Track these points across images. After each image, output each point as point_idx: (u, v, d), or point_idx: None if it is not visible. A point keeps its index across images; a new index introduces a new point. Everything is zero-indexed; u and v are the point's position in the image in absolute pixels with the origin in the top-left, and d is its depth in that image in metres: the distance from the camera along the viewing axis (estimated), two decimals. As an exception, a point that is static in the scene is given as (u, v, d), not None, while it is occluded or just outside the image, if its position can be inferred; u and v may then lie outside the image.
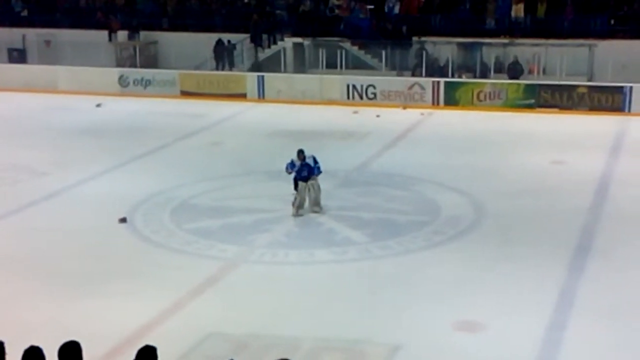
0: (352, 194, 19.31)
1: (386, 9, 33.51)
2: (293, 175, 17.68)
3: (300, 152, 17.64)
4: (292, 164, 17.66)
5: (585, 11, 31.19)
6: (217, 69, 33.30)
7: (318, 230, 16.88)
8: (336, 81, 30.70)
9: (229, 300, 13.60)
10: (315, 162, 17.69)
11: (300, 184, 17.49)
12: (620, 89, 27.73)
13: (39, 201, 18.82)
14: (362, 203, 18.56)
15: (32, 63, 34.75)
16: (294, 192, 17.63)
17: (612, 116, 27.08)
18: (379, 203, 18.53)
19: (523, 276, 14.24)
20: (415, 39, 31.86)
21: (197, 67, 32.98)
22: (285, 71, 32.53)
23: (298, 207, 17.50)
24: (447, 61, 30.95)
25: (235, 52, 33.59)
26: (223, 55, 33.41)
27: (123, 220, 17.26)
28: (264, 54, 33.63)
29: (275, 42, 33.62)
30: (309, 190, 17.53)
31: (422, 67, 30.79)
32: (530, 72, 30.54)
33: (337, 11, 33.67)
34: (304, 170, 17.49)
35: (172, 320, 12.83)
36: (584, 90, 28.18)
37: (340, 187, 19.87)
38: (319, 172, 17.73)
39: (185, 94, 31.73)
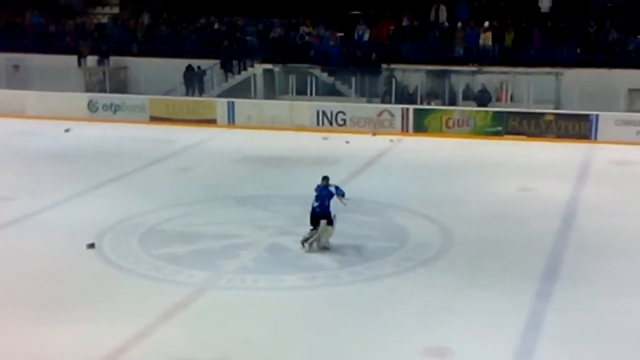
0: (322, 220, 19.31)
1: (356, 36, 33.76)
2: (312, 206, 16.86)
3: (325, 178, 17.13)
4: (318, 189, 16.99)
5: (552, 40, 31.59)
6: (187, 94, 33.32)
7: (287, 255, 16.86)
8: (306, 107, 30.80)
9: (197, 327, 13.51)
10: (337, 188, 17.11)
11: (322, 222, 16.65)
12: (586, 116, 28.08)
13: (5, 226, 18.64)
14: (331, 229, 18.56)
15: (1, 88, 34.49)
16: (311, 227, 16.90)
17: (579, 144, 27.38)
18: (349, 229, 18.44)
19: (491, 302, 14.30)
20: (384, 66, 32.10)
21: (167, 93, 32.98)
22: (255, 97, 32.63)
23: (311, 243, 16.89)
24: (416, 88, 31.22)
25: (205, 78, 33.65)
26: (193, 81, 33.45)
27: (91, 245, 17.14)
28: (234, 79, 33.73)
29: (245, 68, 33.73)
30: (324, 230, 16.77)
31: (391, 94, 31.03)
32: (498, 99, 30.87)
33: (307, 38, 33.84)
34: (327, 199, 16.77)
35: (139, 347, 12.73)
36: (551, 118, 28.49)
37: (309, 213, 19.84)
38: (342, 192, 17.11)
39: (155, 119, 31.68)
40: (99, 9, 39.26)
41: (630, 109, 29.22)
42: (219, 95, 33.05)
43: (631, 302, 14.33)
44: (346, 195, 17.17)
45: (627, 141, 27.16)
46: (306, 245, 16.91)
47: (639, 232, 18.18)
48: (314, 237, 16.86)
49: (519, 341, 12.86)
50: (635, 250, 16.96)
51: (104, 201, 20.77)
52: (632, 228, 18.42)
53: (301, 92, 32.29)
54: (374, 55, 32.36)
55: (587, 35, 31.76)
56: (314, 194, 17.02)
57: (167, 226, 18.75)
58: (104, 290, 15.02)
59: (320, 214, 16.79)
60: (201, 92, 33.51)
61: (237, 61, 33.87)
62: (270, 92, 33.11)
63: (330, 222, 16.79)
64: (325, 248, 16.90)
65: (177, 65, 33.36)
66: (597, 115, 27.98)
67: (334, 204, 16.97)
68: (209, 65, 33.67)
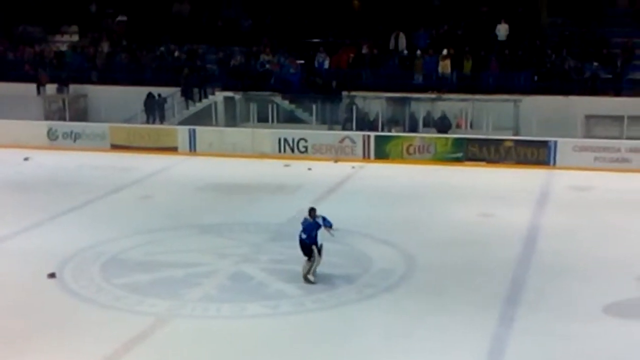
0: (284, 247, 19.21)
1: (316, 64, 33.93)
2: (300, 237, 16.59)
3: (312, 210, 16.84)
4: (305, 222, 16.66)
5: (509, 68, 32.01)
6: (147, 122, 33.24)
7: (250, 283, 16.80)
8: (267, 135, 30.87)
9: (159, 356, 13.41)
10: (324, 219, 16.79)
11: (315, 249, 16.46)
12: (545, 143, 28.44)
13: (-36, 256, 18.40)
14: (295, 256, 18.38)
15: (-42, 116, 34.16)
16: (305, 257, 16.63)
17: (538, 169, 27.71)
18: (311, 256, 18.54)
19: (454, 327, 14.36)
20: (345, 93, 32.28)
21: (127, 121, 32.85)
22: (216, 124, 32.63)
23: (313, 273, 16.62)
24: (377, 115, 31.39)
25: (166, 106, 33.59)
26: (154, 109, 33.37)
27: (52, 275, 16.96)
28: (195, 107, 33.72)
29: (206, 96, 33.75)
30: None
31: (352, 121, 31.18)
32: (458, 126, 31.15)
33: (267, 66, 33.95)
34: (314, 230, 16.54)
35: (101, 377, 12.61)
36: (510, 144, 28.82)
37: (272, 241, 19.88)
38: (329, 223, 16.83)
39: (116, 147, 31.53)
40: (57, 37, 39.05)
41: (587, 135, 29.63)
42: (180, 123, 33.00)
43: (590, 326, 14.46)
44: (334, 226, 16.97)
45: (585, 167, 27.53)
46: (309, 277, 16.57)
47: (597, 256, 18.37)
48: (313, 266, 16.57)
49: (483, 366, 12.95)
50: (593, 275, 17.12)
51: (65, 230, 20.59)
52: (590, 253, 18.63)
53: (262, 119, 32.37)
54: (334, 83, 32.55)
55: (544, 62, 32.22)
56: (301, 226, 16.71)
57: (128, 255, 18.62)
58: (65, 321, 14.85)
59: (310, 244, 16.53)
60: (162, 119, 33.44)
61: (197, 89, 33.90)
62: (231, 120, 33.12)
63: (318, 252, 16.57)
64: (306, 280, 16.58)
65: (137, 93, 33.26)
66: (555, 142, 28.36)
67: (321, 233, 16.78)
68: (170, 92, 33.64)
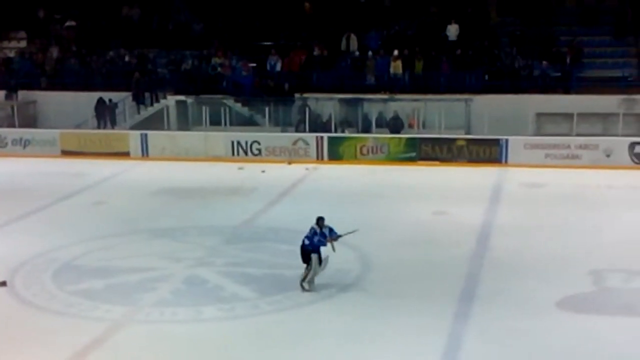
0: (239, 250, 19.23)
1: (268, 67, 33.85)
2: (303, 243, 16.21)
3: (320, 219, 16.41)
4: (314, 232, 16.19)
5: (460, 67, 32.23)
6: (98, 127, 32.90)
7: (205, 287, 16.69)
8: (220, 138, 30.74)
9: (115, 362, 13.28)
10: (331, 230, 16.39)
11: (314, 256, 16.06)
12: (497, 141, 28.69)
13: None
14: (250, 258, 18.50)
15: None
16: (305, 265, 16.26)
17: (490, 167, 27.94)
18: (267, 258, 18.50)
19: (411, 326, 14.41)
20: (297, 95, 32.25)
21: (78, 126, 32.50)
22: (168, 129, 32.37)
23: (310, 281, 16.26)
24: (330, 117, 31.41)
25: (117, 111, 33.24)
26: (104, 114, 33.03)
27: (2, 283, 16.69)
28: (147, 112, 33.46)
29: (157, 100, 33.51)
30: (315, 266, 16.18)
31: (305, 122, 31.17)
32: (411, 126, 31.28)
33: (219, 69, 33.79)
34: (322, 241, 16.15)
35: (56, 385, 12.43)
36: (463, 143, 29.03)
37: (226, 244, 19.81)
38: (335, 234, 16.39)
39: (67, 153, 31.18)
40: (5, 43, 38.47)
41: (538, 132, 29.95)
42: (132, 128, 32.71)
43: (544, 321, 14.58)
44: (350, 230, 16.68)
45: (536, 164, 27.83)
46: (304, 284, 16.23)
47: (549, 252, 18.57)
48: (311, 274, 16.24)
49: (440, 363, 13.00)
50: (545, 270, 17.29)
51: (16, 237, 20.29)
52: (543, 248, 18.83)
53: (215, 122, 32.17)
54: (286, 85, 32.51)
55: (494, 62, 32.50)
56: (307, 232, 16.29)
57: (82, 261, 18.41)
58: (18, 329, 14.62)
59: (311, 251, 16.15)
60: (113, 124, 33.11)
61: (149, 93, 33.63)
62: (184, 124, 32.92)
63: (320, 260, 16.17)
64: (302, 287, 16.24)
65: (87, 99, 32.91)
66: (506, 140, 28.63)
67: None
68: (121, 97, 33.32)
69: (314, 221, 16.43)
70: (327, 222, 16.38)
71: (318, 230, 16.26)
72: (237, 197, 24.55)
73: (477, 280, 16.86)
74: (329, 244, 16.30)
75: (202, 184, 26.31)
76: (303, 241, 16.28)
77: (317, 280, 16.34)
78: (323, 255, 16.25)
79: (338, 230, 16.50)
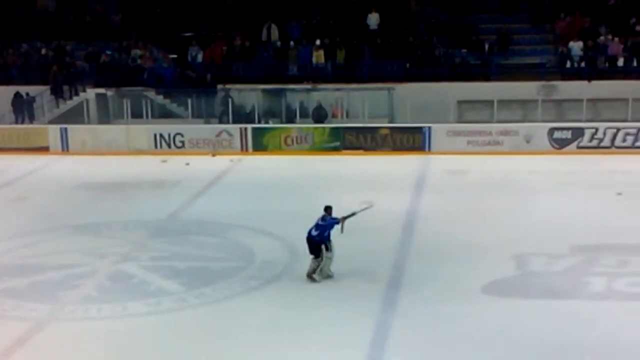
0: (165, 244, 19.03)
1: (189, 58, 33.56)
2: (310, 234, 16.09)
3: (329, 208, 16.34)
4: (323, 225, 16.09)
5: (382, 56, 32.39)
6: (16, 122, 32.14)
7: (130, 282, 16.46)
8: (143, 131, 30.36)
9: (40, 362, 13.01)
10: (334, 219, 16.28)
11: (324, 248, 16.00)
12: (419, 129, 28.94)
13: None
14: (175, 252, 18.31)
15: None
16: (312, 256, 16.11)
17: (414, 155, 28.19)
18: (193, 251, 18.34)
19: (339, 315, 14.43)
20: (220, 86, 32.01)
21: (-6, 122, 31.72)
22: (89, 122, 31.81)
23: (320, 272, 16.15)
24: (253, 108, 31.27)
25: (35, 105, 32.52)
26: (22, 108, 32.30)
27: None
28: (66, 105, 32.82)
29: (77, 94, 32.91)
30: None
31: (228, 114, 30.97)
32: (334, 115, 31.34)
33: (139, 61, 33.34)
34: (327, 230, 16.06)
35: (-22, 388, 12.12)
36: (386, 131, 29.21)
37: (152, 237, 19.59)
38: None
39: (-17, 149, 30.43)
40: None
41: (460, 120, 30.31)
42: (51, 122, 32.08)
43: (470, 306, 14.78)
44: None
45: (458, 151, 28.19)
46: (315, 276, 16.08)
47: (473, 237, 18.80)
48: (320, 265, 16.09)
49: (369, 350, 13.04)
50: (470, 256, 17.50)
51: None
52: (467, 234, 19.04)
53: (136, 115, 31.72)
54: (208, 76, 32.25)
55: (415, 50, 32.75)
56: (314, 222, 16.17)
57: (3, 259, 18.00)
58: (-64, 331, 14.22)
59: (319, 242, 16.02)
60: (31, 119, 32.38)
61: (67, 86, 32.99)
62: (105, 117, 32.41)
63: (327, 248, 16.10)
64: (328, 276, 16.18)
65: (3, 93, 32.14)
66: (429, 128, 28.92)
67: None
68: (39, 91, 32.61)
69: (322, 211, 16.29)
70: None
71: (327, 219, 16.13)
72: (161, 191, 24.28)
73: (404, 267, 17.00)
74: (337, 226, 16.18)
75: (125, 178, 25.94)
76: (310, 232, 16.09)
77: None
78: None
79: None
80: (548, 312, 14.46)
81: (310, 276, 16.13)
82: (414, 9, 35.42)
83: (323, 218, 16.17)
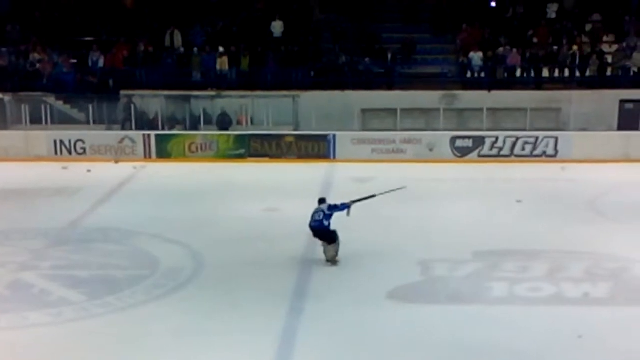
0: (66, 252, 18.57)
1: (90, 63, 32.92)
2: (317, 225, 17.29)
3: (323, 200, 17.78)
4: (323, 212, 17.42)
5: (286, 64, 32.43)
6: None
7: (30, 292, 16.00)
8: (42, 137, 29.66)
9: None
10: (336, 206, 17.63)
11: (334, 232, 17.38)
12: (324, 137, 29.08)
13: None
14: (77, 261, 17.90)
15: None
16: (323, 243, 17.44)
17: (320, 163, 28.31)
18: (95, 260, 17.96)
19: (246, 322, 14.35)
20: (122, 92, 31.51)
21: None
22: (-15, 128, 30.92)
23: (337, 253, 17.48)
24: (157, 114, 30.90)
25: None
26: None
27: None
28: (-41, 111, 31.79)
29: (-27, 98, 31.90)
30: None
31: (131, 120, 30.52)
32: (239, 123, 31.22)
33: (38, 65, 32.56)
34: (327, 218, 17.38)
35: None
36: (291, 139, 29.25)
37: (52, 246, 19.06)
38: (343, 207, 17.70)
39: None
40: None
41: (364, 128, 30.57)
42: (-56, 129, 31.05)
43: (377, 312, 14.88)
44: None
45: (363, 159, 28.43)
46: (338, 259, 17.42)
47: (378, 244, 18.92)
48: (337, 248, 17.39)
49: (275, 357, 12.99)
50: (377, 263, 17.60)
51: None
52: (372, 241, 19.14)
53: (36, 121, 30.95)
54: (111, 82, 31.72)
55: (319, 58, 32.90)
56: (317, 214, 17.42)
57: None
58: None
59: (319, 230, 17.29)
60: None
61: (-37, 91, 32.02)
62: (2, 123, 31.46)
63: (331, 241, 17.29)
64: (334, 263, 17.35)
65: None
66: (334, 135, 29.07)
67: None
68: None
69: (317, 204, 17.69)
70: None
71: (326, 208, 17.41)
72: (62, 198, 23.73)
73: (310, 275, 16.98)
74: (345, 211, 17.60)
75: (24, 185, 25.26)
76: (321, 222, 17.27)
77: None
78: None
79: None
80: (452, 317, 14.68)
81: (333, 260, 17.35)
82: (317, 17, 35.60)
83: (329, 207, 17.50)
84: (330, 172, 27.13)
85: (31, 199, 23.58)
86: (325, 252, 17.45)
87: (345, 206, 17.67)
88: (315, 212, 17.54)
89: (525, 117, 30.33)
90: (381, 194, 18.44)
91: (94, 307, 15.28)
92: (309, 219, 17.44)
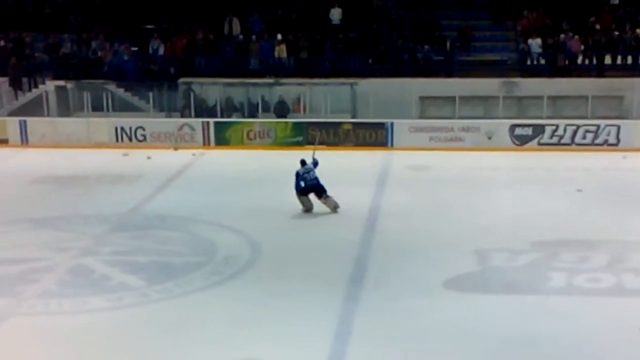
0: (126, 238, 18.84)
1: (150, 51, 33.27)
2: (313, 183, 20.17)
3: (304, 161, 20.56)
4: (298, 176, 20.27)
5: (344, 51, 32.37)
6: (-27, 115, 31.70)
7: (91, 277, 16.30)
8: (103, 124, 30.03)
9: (-2, 358, 12.83)
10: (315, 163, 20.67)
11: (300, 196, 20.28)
12: (382, 125, 28.98)
13: None
14: (137, 247, 18.16)
15: None
16: (324, 196, 20.27)
17: (377, 151, 28.21)
18: (154, 246, 18.21)
19: (301, 311, 14.42)
20: (182, 80, 31.80)
21: (-49, 114, 31.22)
22: (48, 115, 31.44)
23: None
24: (216, 102, 31.13)
25: (-7, 97, 32.11)
26: (-21, 101, 31.86)
27: None
28: (25, 97, 32.38)
29: (36, 86, 32.48)
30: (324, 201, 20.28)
31: (190, 107, 30.80)
32: (295, 110, 31.26)
33: (100, 53, 33.02)
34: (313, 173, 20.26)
35: None
36: (349, 127, 29.20)
37: (113, 232, 19.38)
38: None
39: (-60, 142, 29.94)
40: None
41: (422, 116, 30.39)
42: (9, 114, 31.63)
43: (432, 301, 14.84)
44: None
45: (421, 147, 28.19)
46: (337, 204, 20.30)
47: (435, 233, 18.86)
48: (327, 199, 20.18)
49: (331, 345, 13.02)
50: (433, 252, 17.57)
51: None
52: (429, 230, 19.10)
53: (97, 108, 31.41)
54: (172, 69, 32.03)
55: (377, 46, 32.78)
56: (305, 175, 20.21)
57: (-42, 254, 17.72)
58: None
59: (318, 185, 20.24)
60: (-11, 111, 31.98)
61: (27, 78, 32.58)
62: (65, 110, 32.02)
63: (325, 192, 20.23)
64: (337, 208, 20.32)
65: (-40, 85, 31.71)
66: (392, 123, 28.94)
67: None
68: (-4, 83, 32.22)
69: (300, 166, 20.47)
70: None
71: (312, 166, 20.48)
72: (122, 184, 24.07)
73: (366, 263, 17.01)
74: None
75: (86, 172, 25.67)
76: (315, 180, 20.23)
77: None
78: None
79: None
80: (508, 307, 14.56)
81: (335, 208, 20.26)
82: (377, 3, 35.45)
83: (309, 166, 20.45)
84: (387, 160, 27.06)
85: (92, 185, 23.97)
86: (327, 203, 20.12)
87: (316, 162, 20.70)
88: (305, 172, 20.21)
89: (586, 105, 29.87)
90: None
91: (153, 292, 15.51)
92: (294, 183, 20.26)
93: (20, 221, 20.25)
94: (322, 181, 20.44)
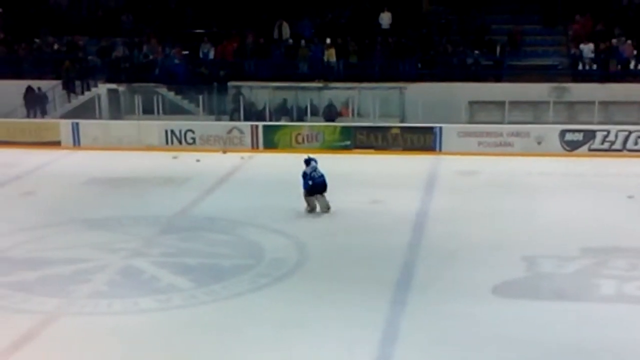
0: (175, 240, 19.02)
1: (201, 54, 33.59)
2: (317, 181, 20.68)
3: (309, 161, 21.18)
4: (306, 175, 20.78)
5: (394, 56, 32.36)
6: (28, 116, 32.23)
7: (141, 278, 16.49)
8: (154, 127, 30.38)
9: (49, 356, 13.01)
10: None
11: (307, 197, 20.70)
12: (430, 129, 28.89)
13: None
14: (185, 248, 18.33)
15: None
16: (321, 195, 20.74)
17: (425, 155, 28.13)
18: (203, 248, 18.37)
19: (348, 313, 14.42)
20: (231, 83, 32.03)
21: (6, 115, 31.71)
22: (100, 118, 31.89)
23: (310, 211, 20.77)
24: (265, 105, 31.30)
25: (47, 99, 32.59)
26: (34, 103, 32.40)
27: None
28: (78, 100, 32.93)
29: (89, 89, 33.01)
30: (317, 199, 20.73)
31: (239, 111, 31.01)
32: (342, 114, 31.28)
33: (151, 57, 33.39)
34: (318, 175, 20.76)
35: (-12, 380, 12.16)
36: (397, 131, 29.16)
37: (162, 234, 19.58)
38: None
39: (-5, 143, 30.51)
40: None
41: (471, 120, 30.25)
42: (63, 117, 32.15)
43: (479, 306, 14.75)
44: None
45: (469, 152, 28.07)
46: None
47: (483, 239, 18.73)
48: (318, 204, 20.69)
49: (377, 350, 13.03)
50: (480, 257, 17.46)
51: (-56, 230, 19.78)
52: (477, 235, 18.98)
53: (148, 111, 31.75)
54: (222, 73, 32.28)
55: (427, 50, 32.71)
56: (312, 173, 20.77)
57: (12, 253, 18.02)
58: (-54, 323, 14.26)
59: (325, 184, 20.81)
60: (43, 113, 32.50)
61: (79, 81, 33.08)
62: (116, 112, 32.48)
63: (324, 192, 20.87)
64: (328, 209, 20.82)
65: (16, 87, 32.22)
66: (440, 128, 28.84)
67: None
68: (51, 86, 32.74)
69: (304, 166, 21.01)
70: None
71: (316, 166, 20.98)
72: (172, 187, 24.31)
73: (413, 267, 16.97)
74: None
75: (136, 174, 25.99)
76: (322, 177, 20.80)
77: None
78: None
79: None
80: (557, 314, 14.41)
81: (328, 207, 20.74)
82: (426, 8, 35.40)
83: (315, 164, 21.09)
84: (435, 164, 26.96)
85: (143, 187, 24.24)
86: (320, 203, 20.67)
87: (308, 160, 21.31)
88: (313, 170, 20.79)
89: (638, 111, 29.48)
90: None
91: (201, 294, 15.63)
92: (303, 183, 20.84)
93: (71, 222, 20.57)
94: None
